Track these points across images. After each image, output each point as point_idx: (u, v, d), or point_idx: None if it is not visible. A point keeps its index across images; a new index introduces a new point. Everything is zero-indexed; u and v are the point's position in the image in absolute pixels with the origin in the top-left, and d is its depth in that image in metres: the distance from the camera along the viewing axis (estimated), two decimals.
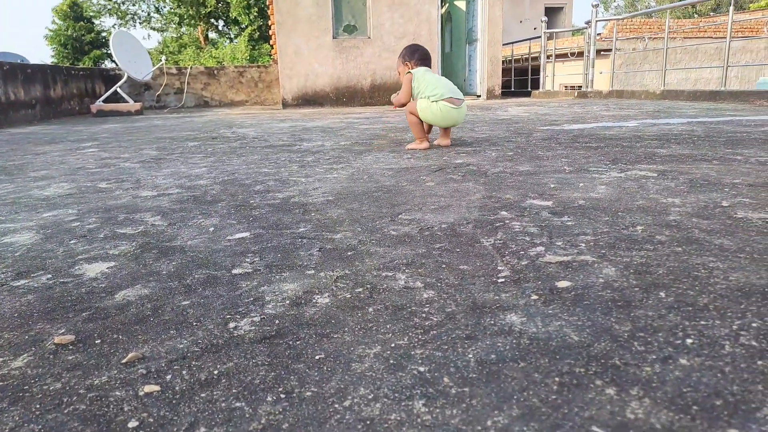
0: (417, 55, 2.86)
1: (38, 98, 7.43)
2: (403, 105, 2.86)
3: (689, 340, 0.70)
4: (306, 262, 1.10)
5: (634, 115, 4.49)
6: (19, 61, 9.29)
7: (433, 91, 2.73)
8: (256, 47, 18.22)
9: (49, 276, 1.06)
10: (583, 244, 1.13)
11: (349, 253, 1.14)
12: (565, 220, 1.32)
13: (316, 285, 0.96)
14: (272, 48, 10.61)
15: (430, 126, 2.97)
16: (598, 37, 9.33)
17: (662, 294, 0.86)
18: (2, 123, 6.42)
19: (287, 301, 0.89)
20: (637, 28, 13.27)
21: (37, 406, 0.61)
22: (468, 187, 1.79)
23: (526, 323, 0.77)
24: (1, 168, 2.66)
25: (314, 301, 0.89)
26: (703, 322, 0.75)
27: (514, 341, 0.72)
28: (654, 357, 0.66)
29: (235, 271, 1.05)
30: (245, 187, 1.95)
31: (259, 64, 12.60)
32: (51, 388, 0.64)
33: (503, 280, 0.95)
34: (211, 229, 1.38)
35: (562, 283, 0.92)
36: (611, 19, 10.24)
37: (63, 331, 0.80)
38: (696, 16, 26.58)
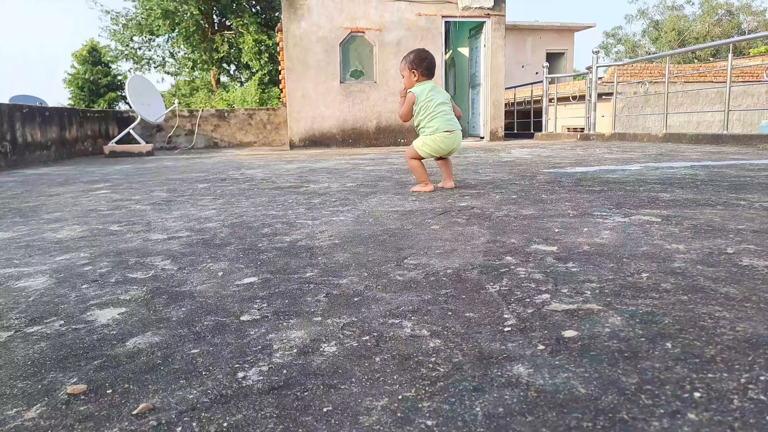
0: (424, 65, 2.88)
1: (54, 139, 7.62)
2: (405, 120, 3.00)
3: (697, 394, 0.70)
4: (313, 308, 1.11)
5: (636, 159, 4.54)
6: (38, 104, 9.57)
7: (429, 124, 2.87)
8: (266, 90, 18.70)
9: (62, 322, 1.07)
10: (589, 292, 1.13)
11: (355, 299, 1.15)
12: (570, 267, 1.33)
13: (323, 332, 0.97)
14: (281, 91, 10.90)
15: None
16: (599, 81, 9.54)
17: (669, 345, 0.86)
18: (18, 164, 6.56)
19: (295, 350, 0.90)
20: (638, 72, 13.55)
21: None
22: (473, 231, 1.81)
23: (533, 374, 0.78)
24: (17, 210, 2.71)
25: (321, 349, 0.90)
26: (710, 375, 0.75)
27: (522, 394, 0.72)
28: (662, 411, 0.67)
29: (243, 318, 1.06)
30: (253, 230, 1.98)
31: (268, 106, 12.91)
32: None
33: (509, 328, 0.96)
34: (220, 273, 1.40)
35: (569, 333, 0.92)
36: (612, 65, 10.48)
37: (75, 380, 0.81)
38: (696, 61, 27.13)
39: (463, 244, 1.62)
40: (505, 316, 1.02)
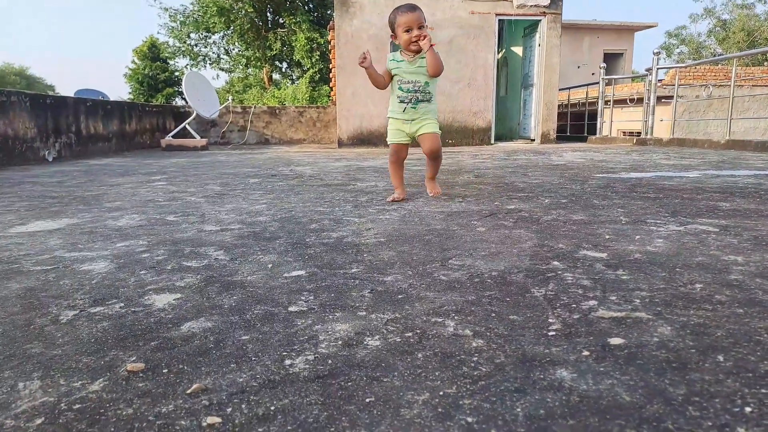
0: None
1: (115, 132, 8.02)
2: (439, 72, 2.51)
3: (748, 409, 0.68)
4: (358, 303, 1.13)
5: (696, 165, 4.34)
6: (100, 98, 10.10)
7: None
8: (316, 88, 19.01)
9: (122, 304, 1.14)
10: (638, 300, 1.10)
11: (399, 297, 1.17)
12: (620, 274, 1.30)
13: (367, 327, 1.00)
14: (331, 90, 11.06)
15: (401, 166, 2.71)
16: (659, 84, 9.16)
17: (720, 358, 0.83)
18: (81, 154, 6.96)
19: (339, 342, 0.93)
20: (701, 75, 12.93)
21: (112, 429, 0.66)
22: (519, 234, 1.79)
23: (577, 379, 0.77)
24: (81, 198, 2.89)
25: (365, 342, 0.92)
26: (763, 391, 0.72)
27: (564, 397, 0.72)
28: (710, 424, 0.65)
29: (291, 309, 1.10)
30: (301, 225, 2.03)
31: (318, 105, 13.14)
32: (124, 413, 0.70)
33: (554, 333, 0.95)
34: (270, 265, 1.45)
35: (615, 340, 0.91)
36: (673, 67, 10.04)
37: (134, 358, 0.87)
38: (766, 63, 25.53)
39: (509, 247, 1.61)
40: (550, 320, 1.01)
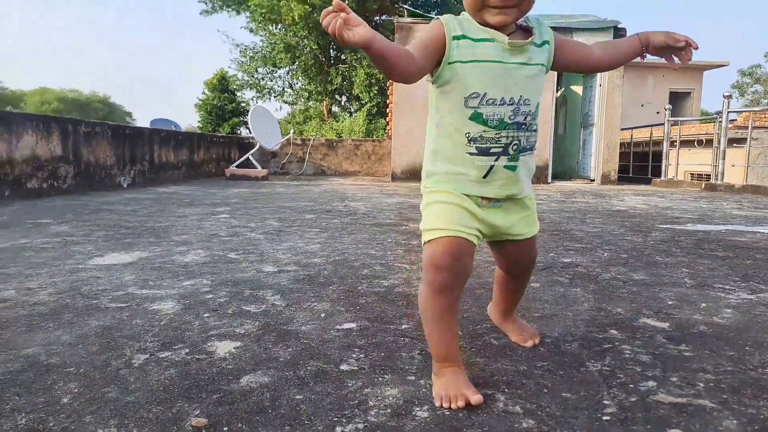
0: None
1: (184, 161, 8.50)
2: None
3: None
4: (407, 365, 1.15)
5: None
6: (173, 128, 10.76)
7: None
8: (373, 121, 19.44)
9: (187, 350, 1.21)
10: (702, 384, 1.06)
11: None
12: (683, 349, 1.25)
13: (416, 394, 1.01)
14: (387, 124, 11.28)
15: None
16: (730, 126, 8.75)
17: None
18: (153, 181, 7.40)
19: (389, 410, 0.94)
20: None
21: None
22: (576, 294, 1.75)
23: None
24: (152, 230, 3.07)
25: (414, 413, 0.93)
26: None
27: None
28: None
29: (342, 367, 1.13)
30: (354, 269, 2.08)
31: (374, 138, 13.42)
32: None
33: (609, 417, 0.92)
34: (323, 315, 1.49)
35: None
36: (745, 111, 9.58)
37: (198, 412, 0.92)
38: None
39: (565, 309, 1.58)
40: (605, 401, 0.98)
